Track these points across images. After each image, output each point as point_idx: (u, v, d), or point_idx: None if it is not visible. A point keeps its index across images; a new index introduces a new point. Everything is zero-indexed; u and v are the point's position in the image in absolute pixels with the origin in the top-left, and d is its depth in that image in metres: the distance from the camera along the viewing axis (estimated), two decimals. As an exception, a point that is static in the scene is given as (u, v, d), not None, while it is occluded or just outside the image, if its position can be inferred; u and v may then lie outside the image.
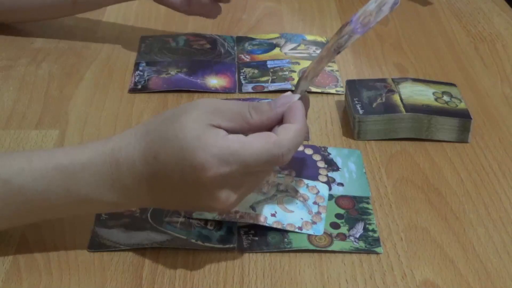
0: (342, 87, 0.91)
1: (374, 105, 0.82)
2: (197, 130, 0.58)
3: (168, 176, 0.59)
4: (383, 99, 0.82)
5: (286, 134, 0.59)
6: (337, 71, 0.95)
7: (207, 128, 0.58)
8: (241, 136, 0.59)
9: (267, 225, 0.67)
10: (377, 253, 0.65)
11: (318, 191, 0.72)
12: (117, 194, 0.61)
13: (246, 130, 0.60)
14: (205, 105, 0.60)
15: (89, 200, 0.61)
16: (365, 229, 0.68)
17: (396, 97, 0.83)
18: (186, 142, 0.57)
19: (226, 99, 0.88)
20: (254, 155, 0.58)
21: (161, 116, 0.61)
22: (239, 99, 0.87)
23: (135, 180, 0.60)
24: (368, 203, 0.71)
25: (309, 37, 1.03)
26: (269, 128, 0.60)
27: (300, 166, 0.75)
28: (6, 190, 0.60)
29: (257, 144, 0.58)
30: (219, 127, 0.59)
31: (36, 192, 0.60)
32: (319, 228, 0.67)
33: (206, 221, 0.68)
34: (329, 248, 0.65)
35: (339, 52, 0.63)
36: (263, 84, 0.91)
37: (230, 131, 0.59)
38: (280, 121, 0.61)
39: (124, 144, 0.61)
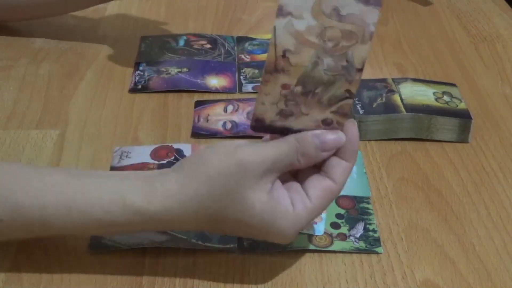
0: (342, 87, 0.91)
1: (374, 105, 0.82)
2: (265, 212, 0.58)
3: (231, 226, 0.59)
4: (383, 99, 0.82)
5: (343, 177, 0.60)
6: (337, 71, 0.95)
7: (272, 201, 0.58)
8: (306, 201, 0.59)
9: (267, 225, 0.67)
10: (377, 253, 0.65)
11: (319, 191, 0.72)
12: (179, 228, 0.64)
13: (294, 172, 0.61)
14: (253, 167, 0.57)
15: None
16: (366, 229, 0.68)
17: (396, 97, 0.83)
18: (259, 216, 0.58)
19: (227, 99, 0.88)
20: (322, 211, 0.61)
21: (209, 186, 0.58)
22: (240, 99, 0.87)
23: (197, 225, 0.60)
24: (368, 203, 0.71)
25: (309, 37, 1.02)
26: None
27: (300, 166, 0.75)
28: (85, 223, 0.59)
29: (324, 202, 0.60)
30: (275, 180, 0.59)
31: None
32: (320, 228, 0.67)
33: (207, 221, 0.68)
34: (330, 248, 0.65)
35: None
36: (263, 84, 0.91)
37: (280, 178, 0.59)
38: None
39: (181, 200, 0.58)
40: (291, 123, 0.59)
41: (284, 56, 0.56)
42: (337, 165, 0.59)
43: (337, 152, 0.60)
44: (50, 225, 0.59)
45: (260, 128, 0.60)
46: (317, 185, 0.59)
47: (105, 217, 0.58)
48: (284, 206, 0.58)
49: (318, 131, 0.59)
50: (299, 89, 0.58)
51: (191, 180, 0.58)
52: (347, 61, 0.57)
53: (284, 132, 0.60)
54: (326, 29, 0.55)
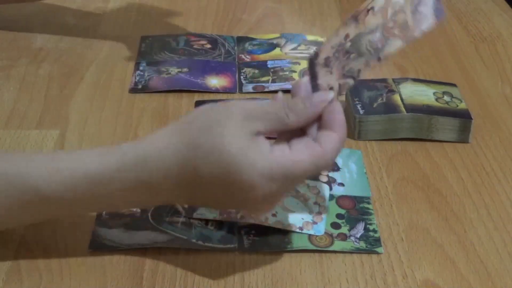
0: (342, 87, 0.91)
1: (375, 105, 0.82)
2: (240, 143, 0.56)
3: (209, 189, 0.58)
4: (384, 99, 0.82)
5: (330, 144, 0.58)
6: (338, 71, 0.95)
7: (250, 140, 0.57)
8: (285, 149, 0.57)
9: (267, 225, 0.67)
10: (377, 253, 0.65)
11: (319, 191, 0.72)
12: (147, 197, 0.60)
13: (283, 130, 0.59)
14: (239, 111, 0.58)
15: (116, 205, 0.62)
16: (366, 229, 0.68)
17: (396, 97, 0.83)
18: (232, 159, 0.56)
19: (226, 99, 0.88)
20: (302, 171, 0.57)
21: (194, 123, 0.59)
22: (240, 99, 0.87)
23: (169, 188, 0.59)
24: (368, 203, 0.71)
25: (310, 37, 1.03)
26: (305, 125, 0.59)
27: (300, 166, 0.75)
28: (32, 197, 0.59)
29: (304, 158, 0.57)
30: (259, 133, 0.57)
31: (62, 200, 0.60)
32: (320, 228, 0.67)
33: (207, 221, 0.68)
34: (330, 248, 0.65)
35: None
36: (263, 84, 0.91)
37: (267, 133, 0.58)
38: (317, 118, 0.60)
39: (157, 150, 0.58)
40: (320, 73, 0.59)
41: (368, 10, 0.56)
42: (325, 134, 0.58)
43: (324, 124, 0.59)
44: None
45: (310, 63, 0.60)
46: (302, 141, 0.58)
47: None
48: (261, 146, 0.57)
49: None
50: (348, 45, 0.58)
51: (168, 131, 0.59)
52: (382, 45, 0.57)
53: (311, 79, 0.60)
54: (400, 11, 0.56)
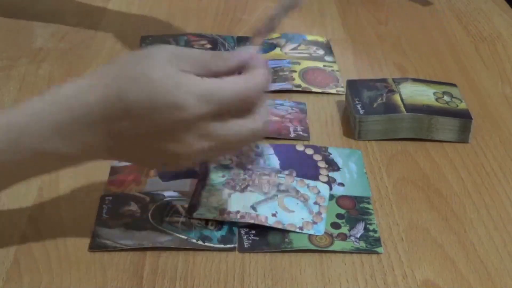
0: (342, 87, 0.91)
1: (375, 105, 0.82)
2: (169, 69, 0.56)
3: (133, 117, 0.57)
4: (384, 99, 0.82)
5: (255, 76, 0.59)
6: (338, 71, 0.95)
7: (178, 70, 0.56)
8: (214, 78, 0.57)
9: (267, 225, 0.67)
10: (377, 253, 0.65)
11: (319, 191, 0.72)
12: (68, 144, 0.58)
13: (208, 77, 0.58)
14: (168, 50, 0.58)
15: (39, 154, 0.58)
16: (366, 229, 0.68)
17: (396, 97, 0.83)
18: (160, 81, 0.56)
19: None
20: (233, 93, 0.57)
21: (120, 59, 0.59)
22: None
23: (90, 127, 0.58)
24: (368, 203, 0.71)
25: (310, 37, 1.03)
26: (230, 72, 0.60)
27: (300, 166, 0.75)
28: None
29: (233, 83, 0.58)
30: (186, 71, 0.57)
31: None
32: (320, 228, 0.67)
33: (207, 221, 0.68)
34: (330, 248, 0.65)
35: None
36: (263, 84, 0.91)
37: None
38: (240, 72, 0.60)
39: (78, 88, 0.58)
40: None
41: None
42: (252, 70, 0.59)
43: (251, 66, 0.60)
44: None
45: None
46: (231, 76, 0.59)
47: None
48: (189, 74, 0.57)
49: None
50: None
51: (88, 74, 0.59)
52: None
53: None
54: None
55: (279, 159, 0.77)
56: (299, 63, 0.95)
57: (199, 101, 0.56)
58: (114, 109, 0.57)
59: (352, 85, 0.86)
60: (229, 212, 0.68)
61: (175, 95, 0.56)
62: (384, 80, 0.87)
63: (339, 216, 0.69)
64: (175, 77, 0.56)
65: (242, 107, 0.58)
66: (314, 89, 0.90)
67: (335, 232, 0.67)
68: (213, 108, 0.56)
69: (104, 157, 0.63)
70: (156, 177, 0.73)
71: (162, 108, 0.56)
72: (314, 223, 0.68)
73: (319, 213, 0.69)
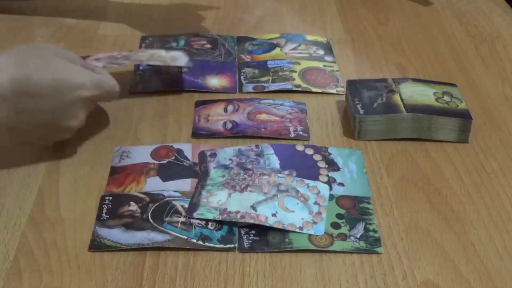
0: (342, 87, 0.91)
1: (375, 105, 0.82)
2: (66, 61, 0.73)
3: (41, 96, 0.69)
4: (384, 99, 0.82)
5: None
6: (338, 71, 0.95)
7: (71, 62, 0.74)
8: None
9: (267, 225, 0.67)
10: (377, 253, 0.65)
11: (319, 191, 0.72)
12: None
13: None
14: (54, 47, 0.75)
15: None
16: (366, 229, 0.68)
17: (396, 97, 0.83)
18: (65, 66, 0.72)
19: (227, 99, 0.88)
20: (110, 82, 0.76)
21: (20, 49, 0.72)
22: (240, 99, 0.87)
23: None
24: (368, 203, 0.71)
25: (310, 37, 1.03)
26: None
27: (300, 166, 0.75)
28: None
29: (111, 78, 0.77)
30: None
31: None
32: (320, 228, 0.67)
33: (207, 221, 0.68)
34: (330, 248, 0.65)
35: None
36: (263, 84, 0.91)
37: None
38: None
39: None
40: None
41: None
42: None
43: None
44: None
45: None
46: None
47: None
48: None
49: None
50: (120, 55, 0.87)
51: None
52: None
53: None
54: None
55: (279, 159, 0.77)
56: (299, 63, 0.95)
57: (95, 86, 0.74)
58: (24, 88, 0.69)
59: (352, 85, 0.86)
60: (229, 212, 0.68)
61: (78, 78, 0.72)
62: (384, 80, 0.87)
63: (339, 216, 0.69)
64: (75, 65, 0.73)
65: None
66: (314, 89, 0.90)
67: (335, 232, 0.67)
68: (97, 92, 0.74)
69: (1, 135, 0.73)
70: (156, 177, 0.73)
71: (67, 88, 0.71)
72: (314, 223, 0.68)
73: (319, 213, 0.69)
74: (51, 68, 0.71)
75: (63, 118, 0.72)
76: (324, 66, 0.95)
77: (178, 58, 0.88)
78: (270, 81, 0.91)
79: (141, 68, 0.93)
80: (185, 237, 0.66)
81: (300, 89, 0.90)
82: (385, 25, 1.08)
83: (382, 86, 0.85)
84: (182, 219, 0.68)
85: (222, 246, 0.65)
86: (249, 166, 0.75)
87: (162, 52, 0.90)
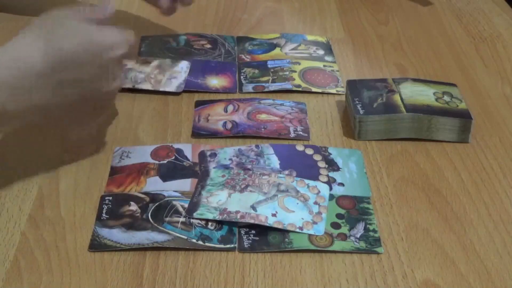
0: (342, 87, 0.91)
1: (375, 105, 0.82)
2: None
3: (74, 63, 0.68)
4: (384, 99, 0.82)
5: None
6: (338, 71, 0.95)
7: None
8: None
9: (267, 225, 0.67)
10: (377, 253, 0.65)
11: (319, 191, 0.72)
12: None
13: None
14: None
15: None
16: (366, 229, 0.68)
17: (396, 97, 0.83)
18: (92, 28, 0.70)
19: (227, 99, 0.88)
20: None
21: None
22: (240, 99, 0.87)
23: None
24: (368, 203, 0.71)
25: (310, 37, 1.03)
26: None
27: (300, 166, 0.75)
28: None
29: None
30: None
31: None
32: (320, 228, 0.67)
33: (207, 221, 0.68)
34: (330, 248, 0.65)
35: None
36: (263, 84, 0.91)
37: None
38: None
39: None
40: None
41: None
42: None
43: None
44: None
45: None
46: None
47: None
48: None
49: None
50: None
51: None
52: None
53: None
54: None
55: (279, 159, 0.77)
56: (299, 63, 0.95)
57: (125, 42, 0.73)
58: (58, 60, 0.67)
59: (352, 85, 0.86)
60: (229, 212, 0.68)
61: (108, 37, 0.71)
62: (384, 80, 0.87)
63: (339, 216, 0.69)
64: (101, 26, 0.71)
65: None
66: (314, 89, 0.90)
67: (335, 232, 0.67)
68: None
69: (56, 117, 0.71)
70: (156, 177, 0.73)
71: (102, 51, 0.70)
72: (314, 223, 0.68)
73: (319, 213, 0.69)
74: (79, 34, 0.68)
75: (105, 82, 0.70)
76: (324, 66, 0.95)
77: (173, 80, 0.89)
78: (270, 81, 0.91)
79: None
80: (185, 237, 0.66)
81: (300, 89, 0.90)
82: (385, 25, 1.08)
83: (382, 86, 0.85)
84: (182, 219, 0.68)
85: (222, 246, 0.65)
86: (249, 166, 0.75)
87: (166, 65, 0.92)
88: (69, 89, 0.68)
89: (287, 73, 0.93)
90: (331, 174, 0.75)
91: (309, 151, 0.78)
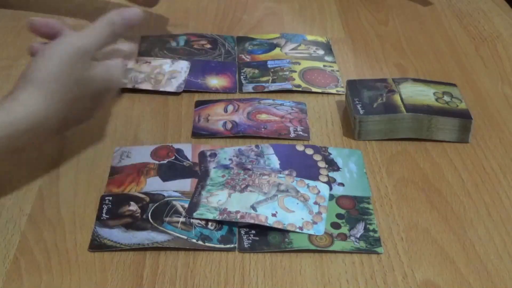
0: (342, 87, 0.91)
1: (375, 105, 0.82)
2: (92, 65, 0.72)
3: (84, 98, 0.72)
4: (384, 99, 0.82)
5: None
6: (338, 71, 0.95)
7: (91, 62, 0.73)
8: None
9: (267, 225, 0.67)
10: (377, 253, 0.65)
11: (319, 191, 0.72)
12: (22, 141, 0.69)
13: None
14: (83, 49, 0.72)
15: None
16: (366, 229, 0.68)
17: (396, 97, 0.83)
18: (94, 76, 0.72)
19: (227, 99, 0.88)
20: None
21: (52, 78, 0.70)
22: (240, 99, 0.87)
23: (45, 130, 0.70)
24: (368, 203, 0.71)
25: (310, 37, 1.03)
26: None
27: (300, 166, 0.75)
28: None
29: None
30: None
31: None
32: (320, 228, 0.67)
33: (207, 221, 0.68)
34: (330, 248, 0.65)
35: None
36: (263, 84, 0.91)
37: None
38: None
39: (29, 115, 0.68)
40: None
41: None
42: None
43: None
44: None
45: None
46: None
47: None
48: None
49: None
50: None
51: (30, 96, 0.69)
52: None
53: None
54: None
55: (279, 159, 0.77)
56: (299, 63, 0.95)
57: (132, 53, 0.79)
58: (65, 111, 0.70)
59: (352, 85, 0.86)
60: (229, 212, 0.68)
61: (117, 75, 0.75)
62: (384, 80, 0.87)
63: (339, 216, 0.69)
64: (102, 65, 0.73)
65: None
66: (314, 89, 0.90)
67: (335, 232, 0.67)
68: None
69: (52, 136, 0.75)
70: (156, 177, 0.73)
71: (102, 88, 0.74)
72: (314, 223, 0.68)
73: (319, 213, 0.69)
74: (89, 80, 0.72)
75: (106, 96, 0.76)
76: (324, 66, 0.95)
77: (173, 80, 0.89)
78: (270, 81, 0.91)
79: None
80: (185, 237, 0.66)
81: (300, 89, 0.90)
82: (385, 25, 1.08)
83: (382, 86, 0.85)
84: (182, 219, 0.68)
85: (222, 246, 0.65)
86: (249, 166, 0.75)
87: (166, 65, 0.92)
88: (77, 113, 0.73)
89: (287, 73, 0.93)
90: (331, 174, 0.75)
91: (309, 151, 0.78)
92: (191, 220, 0.68)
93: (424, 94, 0.83)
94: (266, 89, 0.90)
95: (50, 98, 0.69)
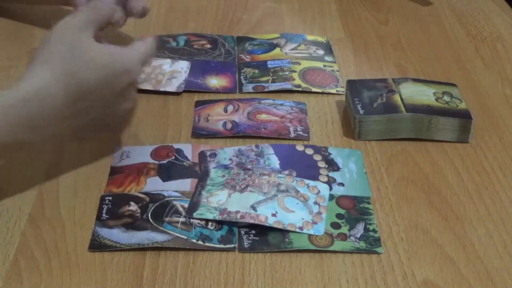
0: (342, 87, 0.91)
1: (375, 105, 0.82)
2: (98, 46, 0.71)
3: (93, 92, 0.69)
4: (384, 99, 0.82)
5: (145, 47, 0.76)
6: (338, 71, 0.95)
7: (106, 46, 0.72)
8: (131, 48, 0.75)
9: (267, 225, 0.67)
10: (377, 253, 0.65)
11: (319, 191, 0.72)
12: (38, 134, 0.68)
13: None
14: (76, 26, 0.72)
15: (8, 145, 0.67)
16: (366, 229, 0.68)
17: (396, 97, 0.83)
18: (103, 57, 0.70)
19: (227, 99, 0.88)
20: (151, 52, 0.76)
21: (56, 45, 0.70)
22: (240, 99, 0.87)
23: (57, 116, 0.68)
24: (368, 203, 0.71)
25: (310, 37, 1.03)
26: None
27: (300, 166, 0.75)
28: None
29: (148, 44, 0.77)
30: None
31: None
32: (320, 228, 0.67)
33: (207, 221, 0.68)
34: (330, 248, 0.65)
35: None
36: (263, 84, 0.91)
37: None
38: None
39: (38, 83, 0.68)
40: None
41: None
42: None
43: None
44: None
45: None
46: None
47: None
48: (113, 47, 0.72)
49: None
50: None
51: (39, 69, 0.69)
52: None
53: None
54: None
55: (279, 159, 0.77)
56: (299, 63, 0.95)
57: (141, 63, 0.74)
58: (78, 95, 0.69)
59: (352, 85, 0.86)
60: (229, 212, 0.68)
61: (123, 62, 0.71)
62: (384, 80, 0.87)
63: (339, 216, 0.69)
64: (115, 47, 0.72)
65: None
66: (314, 89, 0.90)
67: (335, 232, 0.67)
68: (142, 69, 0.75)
69: (69, 140, 0.75)
70: (156, 177, 0.73)
71: (115, 75, 0.70)
72: (314, 223, 0.68)
73: (319, 213, 0.69)
74: (95, 62, 0.69)
75: (118, 104, 0.72)
76: (324, 66, 0.95)
77: (173, 80, 0.90)
78: (270, 81, 0.91)
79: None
80: (185, 237, 0.66)
81: (300, 89, 0.90)
82: (385, 25, 1.08)
83: (382, 86, 0.85)
84: (182, 219, 0.68)
85: (222, 246, 0.65)
86: (249, 166, 0.75)
87: (166, 65, 0.92)
88: (88, 115, 0.71)
89: (287, 73, 0.93)
90: (331, 174, 0.75)
91: (309, 151, 0.78)
92: (191, 220, 0.68)
93: (424, 94, 0.83)
94: (266, 89, 0.90)
95: (59, 71, 0.68)
